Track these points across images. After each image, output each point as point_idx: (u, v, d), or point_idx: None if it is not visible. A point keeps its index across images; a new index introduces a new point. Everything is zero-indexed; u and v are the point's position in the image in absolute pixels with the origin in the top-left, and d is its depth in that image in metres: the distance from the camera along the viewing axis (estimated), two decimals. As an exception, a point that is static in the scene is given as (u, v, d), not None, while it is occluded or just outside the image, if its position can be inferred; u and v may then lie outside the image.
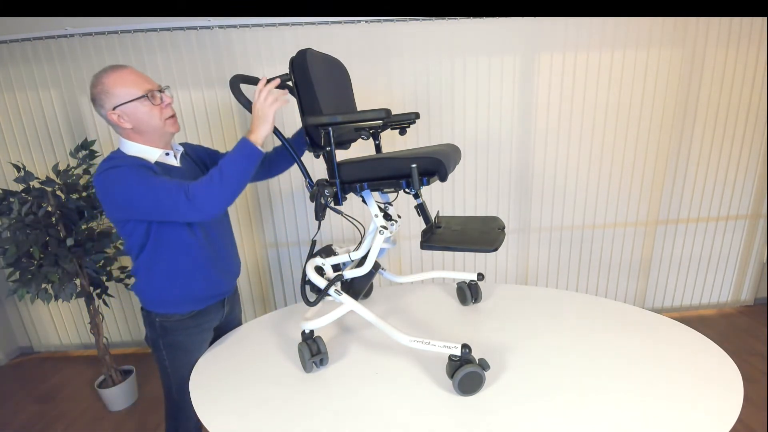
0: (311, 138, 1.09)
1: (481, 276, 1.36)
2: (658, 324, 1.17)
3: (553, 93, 2.21)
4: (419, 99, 2.20)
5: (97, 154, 1.93)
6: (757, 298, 2.69)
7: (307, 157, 1.84)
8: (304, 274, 1.14)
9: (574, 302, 1.33)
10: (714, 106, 2.28)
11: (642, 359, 1.01)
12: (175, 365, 1.21)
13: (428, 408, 0.91)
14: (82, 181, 1.92)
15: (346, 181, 1.06)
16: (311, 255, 1.20)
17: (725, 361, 1.00)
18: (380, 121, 0.97)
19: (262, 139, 1.05)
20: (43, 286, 1.79)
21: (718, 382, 0.92)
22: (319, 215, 1.06)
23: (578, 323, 1.20)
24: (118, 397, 2.04)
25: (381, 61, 2.13)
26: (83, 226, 1.88)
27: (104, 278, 1.99)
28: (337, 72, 1.26)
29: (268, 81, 1.07)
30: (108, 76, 1.05)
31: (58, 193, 1.84)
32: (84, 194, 1.90)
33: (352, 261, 1.20)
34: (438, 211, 1.23)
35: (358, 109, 1.41)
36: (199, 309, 1.21)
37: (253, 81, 1.11)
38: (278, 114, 2.19)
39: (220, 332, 1.32)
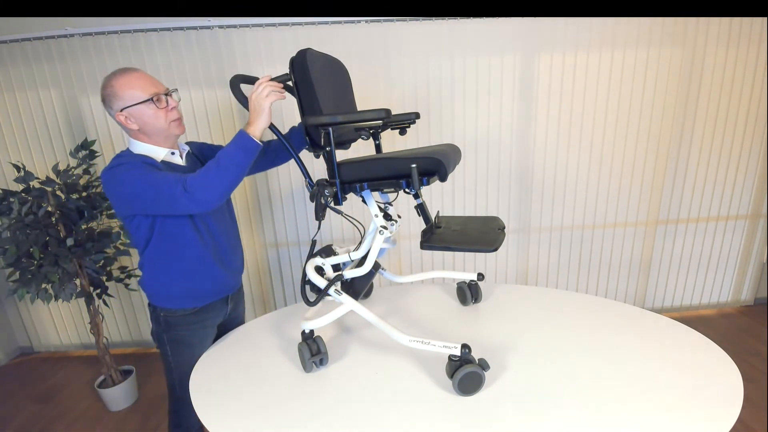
0: (311, 138, 1.09)
1: (481, 276, 1.36)
2: (658, 324, 1.17)
3: (553, 93, 2.21)
4: (419, 99, 2.20)
5: (97, 154, 1.93)
6: (757, 298, 2.69)
7: (307, 157, 1.84)
8: (304, 274, 1.15)
9: (574, 302, 1.33)
10: (714, 106, 2.28)
11: (642, 359, 1.01)
12: (177, 360, 1.23)
13: (428, 408, 0.91)
14: (82, 181, 1.93)
15: (346, 181, 1.06)
16: (311, 255, 1.20)
17: (725, 361, 1.00)
18: (380, 121, 0.97)
19: (260, 131, 1.06)
20: (43, 286, 1.79)
21: (718, 382, 0.92)
22: (319, 215, 1.06)
23: (578, 323, 1.20)
24: (118, 397, 2.04)
25: (381, 61, 2.13)
26: (83, 226, 1.88)
27: (104, 278, 1.99)
28: (337, 72, 1.26)
29: (272, 80, 1.08)
30: (117, 79, 1.09)
31: (58, 193, 1.84)
32: (84, 194, 1.90)
33: (352, 261, 1.20)
34: (438, 211, 1.23)
35: (358, 109, 1.42)
36: (203, 305, 1.23)
37: (253, 81, 1.11)
38: (279, 115, 2.18)
39: (223, 329, 1.33)
